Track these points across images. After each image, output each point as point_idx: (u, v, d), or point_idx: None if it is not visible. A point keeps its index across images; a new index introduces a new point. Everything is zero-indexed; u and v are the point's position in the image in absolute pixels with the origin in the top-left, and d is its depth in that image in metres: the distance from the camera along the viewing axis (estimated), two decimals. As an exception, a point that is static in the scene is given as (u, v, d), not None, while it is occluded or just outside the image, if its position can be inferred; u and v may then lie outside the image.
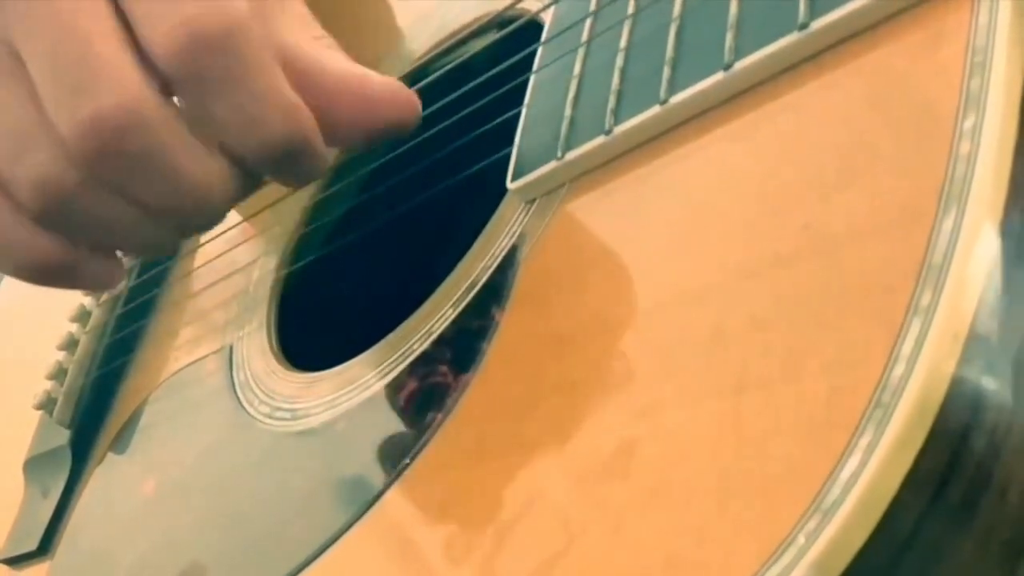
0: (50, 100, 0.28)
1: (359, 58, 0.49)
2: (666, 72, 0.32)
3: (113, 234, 0.31)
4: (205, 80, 0.28)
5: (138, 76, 0.28)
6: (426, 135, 0.44)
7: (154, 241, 0.31)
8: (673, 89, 0.32)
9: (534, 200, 0.36)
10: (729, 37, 0.31)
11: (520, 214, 0.36)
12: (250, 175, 0.31)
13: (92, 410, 0.54)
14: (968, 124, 0.25)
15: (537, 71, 0.38)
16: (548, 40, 0.39)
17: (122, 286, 0.57)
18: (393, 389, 0.37)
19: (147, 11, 0.28)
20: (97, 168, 0.29)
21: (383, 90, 0.32)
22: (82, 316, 0.57)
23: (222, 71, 0.28)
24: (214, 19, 0.28)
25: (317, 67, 0.31)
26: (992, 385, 0.23)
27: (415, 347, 0.37)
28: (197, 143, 0.29)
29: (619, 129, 0.33)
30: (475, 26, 0.46)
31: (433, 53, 0.48)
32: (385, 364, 0.38)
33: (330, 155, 0.32)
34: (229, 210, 0.32)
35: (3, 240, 0.30)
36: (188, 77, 0.28)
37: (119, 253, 0.33)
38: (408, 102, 0.33)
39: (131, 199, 0.30)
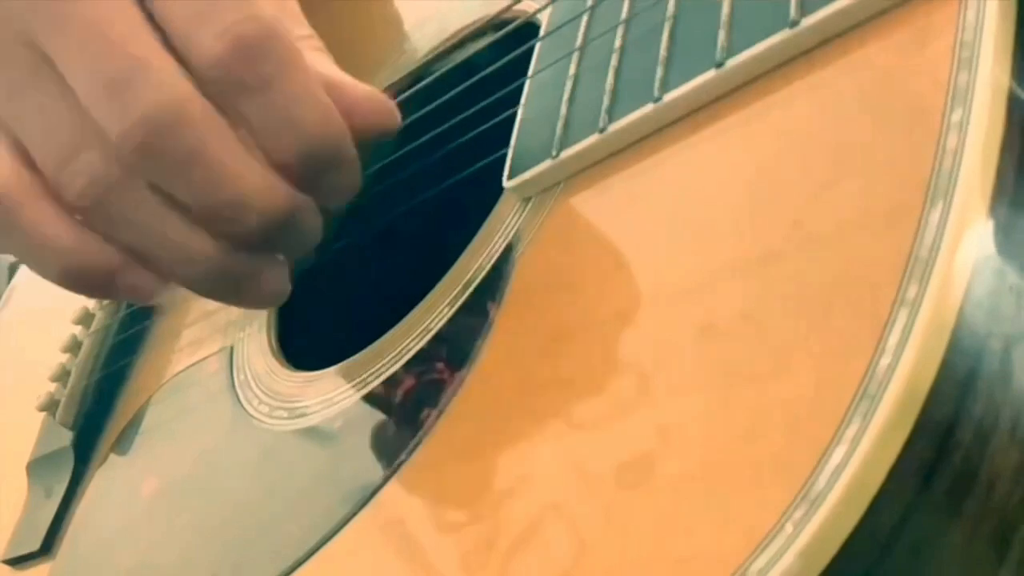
0: (93, 100, 0.28)
1: (361, 61, 0.50)
2: (659, 71, 0.33)
3: (153, 238, 0.31)
4: (247, 85, 0.29)
5: (181, 75, 0.28)
6: (425, 136, 0.44)
7: (195, 252, 0.31)
8: (666, 87, 0.32)
9: (530, 198, 0.36)
10: (721, 35, 0.31)
11: (516, 212, 0.36)
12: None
13: (95, 411, 0.54)
14: (955, 118, 0.25)
15: (533, 71, 0.39)
16: (545, 41, 0.39)
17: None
18: (390, 386, 0.37)
19: (186, 18, 0.28)
20: (145, 167, 0.29)
21: (365, 97, 0.33)
22: (85, 318, 0.57)
23: (265, 75, 0.29)
24: (255, 25, 0.28)
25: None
26: (979, 376, 0.23)
27: (412, 345, 0.37)
28: (240, 145, 0.30)
29: (613, 127, 0.33)
30: (473, 28, 0.46)
31: (433, 55, 0.48)
32: (382, 362, 0.38)
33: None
34: (269, 227, 0.31)
35: (49, 243, 0.31)
36: (232, 83, 0.29)
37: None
38: (389, 111, 0.34)
39: (176, 200, 0.30)
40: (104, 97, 0.28)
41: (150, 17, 0.29)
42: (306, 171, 0.31)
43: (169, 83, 0.28)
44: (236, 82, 0.29)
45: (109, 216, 0.30)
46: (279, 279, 0.33)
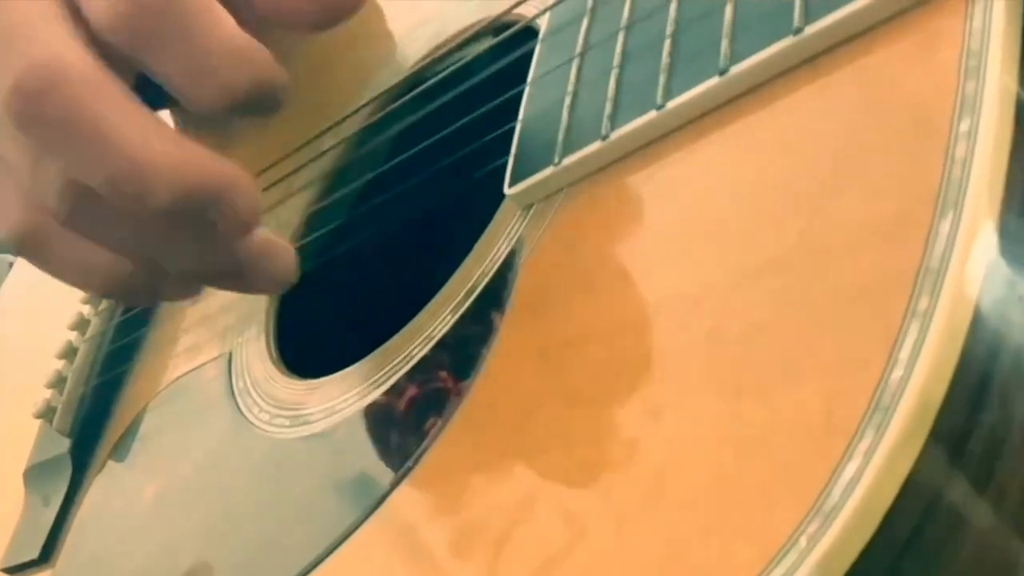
0: None
1: (358, 63, 0.49)
2: (662, 78, 0.33)
3: (63, 213, 0.29)
4: (152, 40, 0.27)
5: (60, 37, 0.27)
6: (424, 141, 0.44)
7: (102, 230, 0.29)
8: (669, 94, 0.32)
9: (532, 205, 0.36)
10: (724, 42, 0.31)
11: (518, 219, 0.36)
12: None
13: (92, 418, 0.54)
14: (964, 127, 0.25)
15: (533, 77, 0.38)
16: (544, 46, 0.39)
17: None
18: (393, 395, 0.37)
19: None
20: (32, 136, 0.27)
21: None
22: (81, 324, 0.57)
23: (171, 25, 0.27)
24: None
25: None
26: (991, 386, 0.23)
27: (415, 353, 0.37)
28: (142, 110, 0.28)
29: (616, 134, 0.33)
30: (471, 32, 0.46)
31: (430, 59, 0.48)
32: (385, 370, 0.38)
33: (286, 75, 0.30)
34: (183, 204, 0.28)
35: None
36: (134, 42, 0.27)
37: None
38: None
39: (69, 172, 0.28)
40: None
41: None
42: (232, 111, 0.28)
43: (45, 44, 0.27)
44: (139, 41, 0.27)
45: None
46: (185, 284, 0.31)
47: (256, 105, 0.29)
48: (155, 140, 0.27)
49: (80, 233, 0.30)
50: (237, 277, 0.31)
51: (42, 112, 0.27)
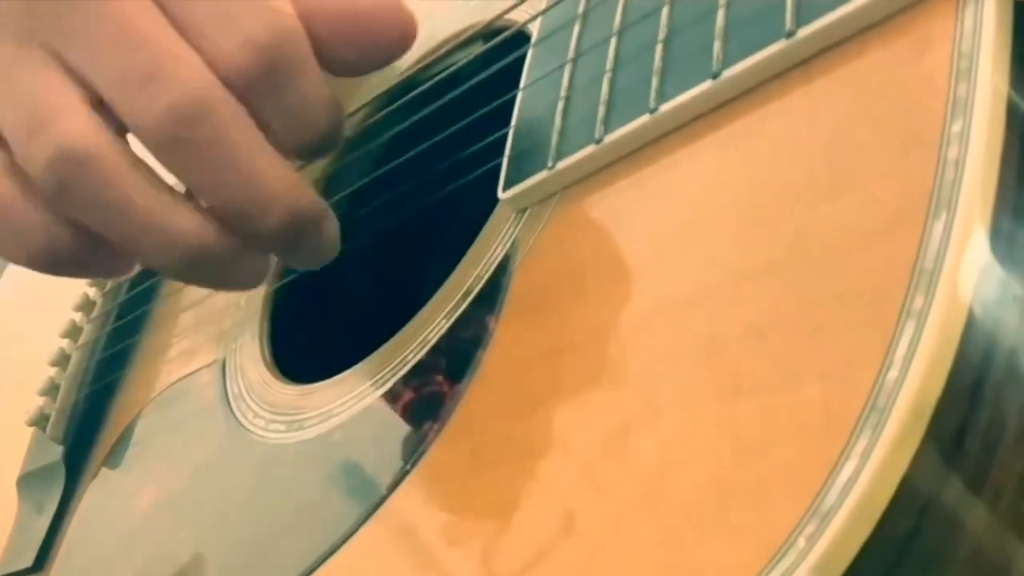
0: (118, 94, 0.29)
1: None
2: (655, 81, 0.33)
3: (132, 220, 0.30)
4: (267, 90, 0.29)
5: (204, 67, 0.29)
6: (418, 147, 0.44)
7: (181, 235, 0.30)
8: (662, 98, 0.32)
9: (526, 209, 0.36)
10: (717, 46, 0.31)
11: (512, 223, 0.36)
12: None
13: (85, 425, 0.54)
14: (956, 129, 0.25)
15: (526, 81, 0.38)
16: (537, 51, 0.39)
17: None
18: (389, 399, 0.37)
19: (207, 22, 0.29)
20: (170, 159, 0.29)
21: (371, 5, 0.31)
22: (73, 332, 0.57)
23: (283, 81, 0.29)
24: (277, 32, 0.29)
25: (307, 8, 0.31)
26: (986, 386, 0.23)
27: (410, 357, 0.37)
28: (265, 141, 0.30)
29: (609, 138, 0.33)
30: (462, 37, 0.46)
31: (421, 64, 0.48)
32: (380, 375, 0.38)
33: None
34: (290, 230, 0.31)
35: (16, 223, 0.30)
36: (252, 89, 0.29)
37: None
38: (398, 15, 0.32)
39: (196, 189, 0.30)
40: (132, 88, 0.28)
41: (171, 19, 0.29)
42: (308, 155, 0.31)
43: (195, 74, 0.28)
44: (255, 88, 0.29)
45: (87, 199, 0.29)
46: (260, 266, 0.33)
47: (326, 148, 0.32)
48: (278, 170, 0.30)
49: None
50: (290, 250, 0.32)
51: (193, 135, 0.28)
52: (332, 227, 0.32)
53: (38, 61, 0.29)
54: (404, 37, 0.32)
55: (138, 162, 0.30)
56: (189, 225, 0.30)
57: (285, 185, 0.30)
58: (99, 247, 0.31)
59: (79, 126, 0.29)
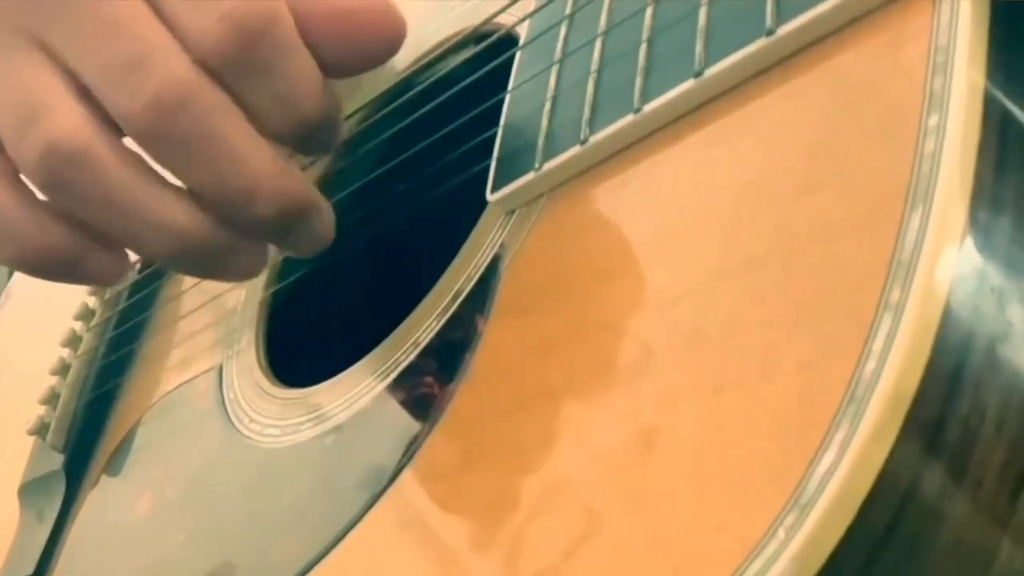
0: (102, 83, 0.29)
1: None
2: (639, 81, 0.33)
3: (130, 213, 0.30)
4: (246, 69, 0.29)
5: (187, 56, 0.29)
6: (409, 150, 0.44)
7: (176, 226, 0.30)
8: (646, 98, 0.32)
9: (514, 211, 0.36)
10: (699, 45, 0.32)
11: (501, 225, 0.37)
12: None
13: (85, 433, 0.54)
14: (932, 122, 0.25)
15: (513, 84, 0.39)
16: (525, 53, 0.39)
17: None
18: (381, 402, 0.38)
19: (188, 3, 0.29)
20: (156, 149, 0.29)
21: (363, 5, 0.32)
22: (73, 341, 0.57)
23: (265, 60, 0.29)
24: (256, 9, 0.29)
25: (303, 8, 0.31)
26: (964, 376, 0.24)
27: (402, 360, 0.38)
28: (251, 128, 0.30)
29: (594, 139, 0.34)
30: (453, 41, 0.46)
31: (414, 68, 0.48)
32: (372, 377, 0.38)
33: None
34: (280, 217, 0.31)
35: (9, 224, 0.30)
36: (232, 68, 0.29)
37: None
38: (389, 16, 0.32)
39: (183, 178, 0.30)
40: (115, 79, 0.28)
41: (154, 8, 0.29)
42: (300, 142, 0.31)
43: (177, 64, 0.28)
44: (236, 66, 0.29)
45: (79, 193, 0.30)
46: (256, 255, 0.33)
47: (321, 136, 0.31)
48: (266, 159, 0.30)
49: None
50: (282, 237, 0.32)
51: (176, 125, 0.28)
52: (325, 215, 0.32)
53: (25, 53, 0.29)
54: (394, 37, 0.32)
55: (128, 153, 0.30)
56: (181, 215, 0.30)
57: (271, 172, 0.30)
58: (93, 246, 0.31)
59: (68, 120, 0.29)
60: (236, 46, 0.29)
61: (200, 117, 0.29)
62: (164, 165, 0.30)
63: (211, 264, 0.32)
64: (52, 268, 0.31)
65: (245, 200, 0.30)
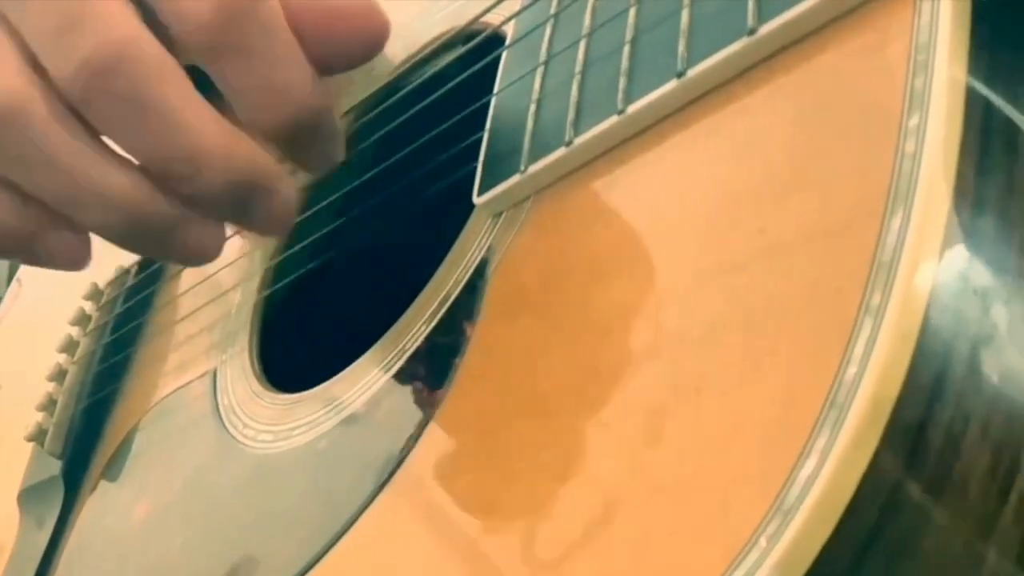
0: (40, 43, 0.28)
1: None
2: (622, 82, 0.33)
3: (67, 176, 0.29)
4: (231, 51, 0.28)
5: (131, 17, 0.28)
6: (397, 153, 0.44)
7: (115, 192, 0.29)
8: (629, 99, 0.32)
9: (501, 213, 0.36)
10: (681, 45, 0.31)
11: (488, 228, 0.36)
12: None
13: (83, 439, 0.54)
14: (913, 122, 0.25)
15: (499, 86, 0.38)
16: (510, 54, 0.39)
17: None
18: (371, 406, 0.37)
19: None
20: (93, 111, 0.28)
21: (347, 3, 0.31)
22: (70, 346, 0.57)
23: (246, 40, 0.28)
24: None
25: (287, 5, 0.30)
26: (947, 380, 0.23)
27: (391, 364, 0.37)
28: (199, 97, 0.29)
29: (579, 140, 0.33)
30: (443, 40, 0.46)
31: (402, 70, 0.48)
32: (362, 383, 0.38)
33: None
34: (229, 190, 0.29)
35: None
36: (214, 49, 0.28)
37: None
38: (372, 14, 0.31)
39: (124, 147, 0.29)
40: (50, 40, 0.28)
41: None
42: (287, 138, 0.30)
43: (115, 24, 0.27)
44: (219, 49, 0.28)
45: (14, 154, 0.29)
46: (211, 234, 0.31)
47: (314, 135, 0.30)
48: (212, 126, 0.29)
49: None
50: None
51: (111, 87, 0.27)
52: (286, 191, 0.31)
53: None
54: (378, 36, 0.31)
55: (71, 120, 0.29)
56: (125, 184, 0.29)
57: (220, 141, 0.29)
58: (46, 224, 0.30)
59: (7, 80, 0.28)
60: (219, 26, 0.28)
61: (135, 80, 0.27)
62: (104, 132, 0.29)
63: (160, 240, 0.30)
64: (6, 244, 0.31)
65: (188, 169, 0.28)
